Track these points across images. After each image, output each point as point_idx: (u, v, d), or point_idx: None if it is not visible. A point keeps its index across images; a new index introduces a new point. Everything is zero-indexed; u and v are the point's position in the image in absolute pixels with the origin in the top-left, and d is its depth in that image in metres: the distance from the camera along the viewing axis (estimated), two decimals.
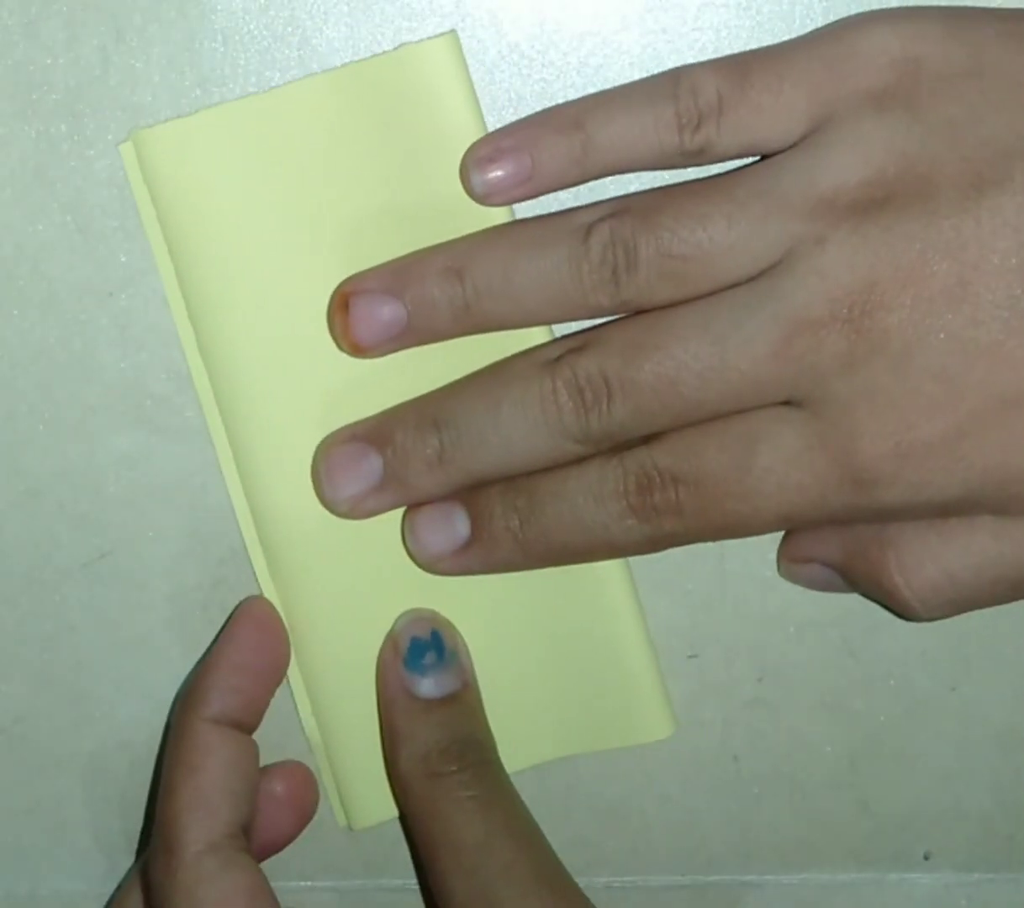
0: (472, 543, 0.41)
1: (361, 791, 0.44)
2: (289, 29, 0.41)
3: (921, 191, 0.36)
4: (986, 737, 0.45)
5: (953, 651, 0.44)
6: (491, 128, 0.40)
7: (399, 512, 0.42)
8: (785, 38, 0.40)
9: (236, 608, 0.43)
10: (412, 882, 0.45)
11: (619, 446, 0.39)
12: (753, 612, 0.44)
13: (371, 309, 0.39)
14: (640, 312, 0.39)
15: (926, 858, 0.46)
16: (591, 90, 0.41)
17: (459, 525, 0.41)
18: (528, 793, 0.42)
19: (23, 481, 0.43)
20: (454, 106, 0.40)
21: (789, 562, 0.43)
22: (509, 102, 0.41)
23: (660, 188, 0.40)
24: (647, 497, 0.39)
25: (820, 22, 0.40)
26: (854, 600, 0.43)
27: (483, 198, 0.39)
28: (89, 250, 0.42)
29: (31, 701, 0.44)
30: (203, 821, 0.39)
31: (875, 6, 0.40)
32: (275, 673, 0.42)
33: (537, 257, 0.38)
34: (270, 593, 0.43)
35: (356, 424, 0.41)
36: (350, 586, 0.43)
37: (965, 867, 0.46)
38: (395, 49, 0.40)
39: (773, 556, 0.43)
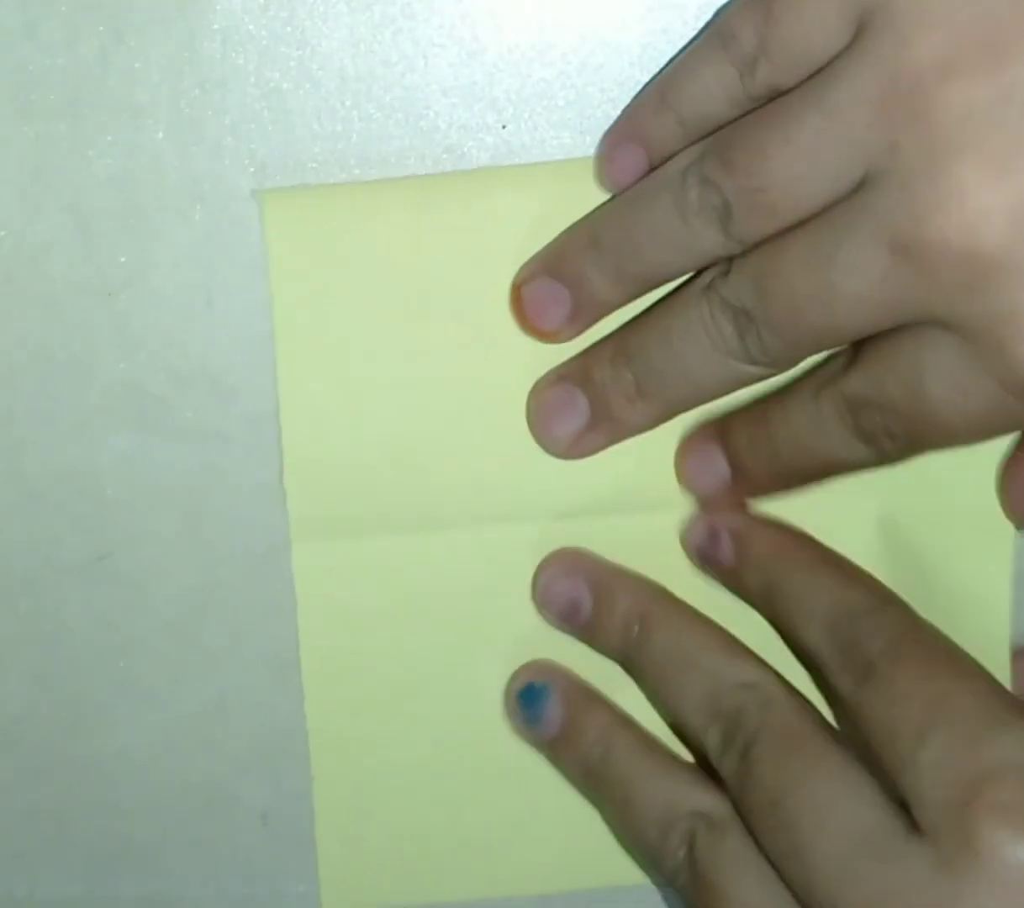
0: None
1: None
2: (289, 29, 0.41)
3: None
4: None
5: None
6: (491, 131, 0.41)
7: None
8: None
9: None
10: None
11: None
12: None
13: (540, 293, 0.41)
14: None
15: None
16: (591, 90, 0.41)
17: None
18: None
19: (23, 481, 0.43)
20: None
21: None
22: (509, 102, 0.41)
23: (739, 117, 0.38)
24: (858, 420, 0.38)
25: None
26: None
27: (616, 189, 0.40)
28: (89, 250, 0.42)
29: (30, 702, 0.44)
30: None
31: None
32: None
33: (647, 209, 0.39)
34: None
35: (561, 365, 0.42)
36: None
37: None
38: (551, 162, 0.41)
39: None
